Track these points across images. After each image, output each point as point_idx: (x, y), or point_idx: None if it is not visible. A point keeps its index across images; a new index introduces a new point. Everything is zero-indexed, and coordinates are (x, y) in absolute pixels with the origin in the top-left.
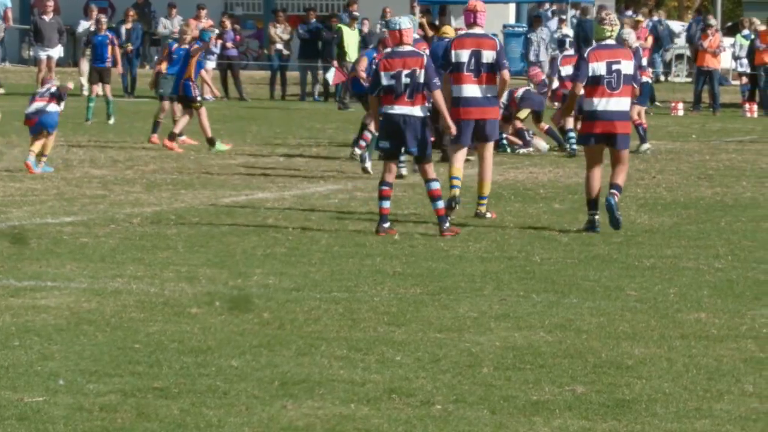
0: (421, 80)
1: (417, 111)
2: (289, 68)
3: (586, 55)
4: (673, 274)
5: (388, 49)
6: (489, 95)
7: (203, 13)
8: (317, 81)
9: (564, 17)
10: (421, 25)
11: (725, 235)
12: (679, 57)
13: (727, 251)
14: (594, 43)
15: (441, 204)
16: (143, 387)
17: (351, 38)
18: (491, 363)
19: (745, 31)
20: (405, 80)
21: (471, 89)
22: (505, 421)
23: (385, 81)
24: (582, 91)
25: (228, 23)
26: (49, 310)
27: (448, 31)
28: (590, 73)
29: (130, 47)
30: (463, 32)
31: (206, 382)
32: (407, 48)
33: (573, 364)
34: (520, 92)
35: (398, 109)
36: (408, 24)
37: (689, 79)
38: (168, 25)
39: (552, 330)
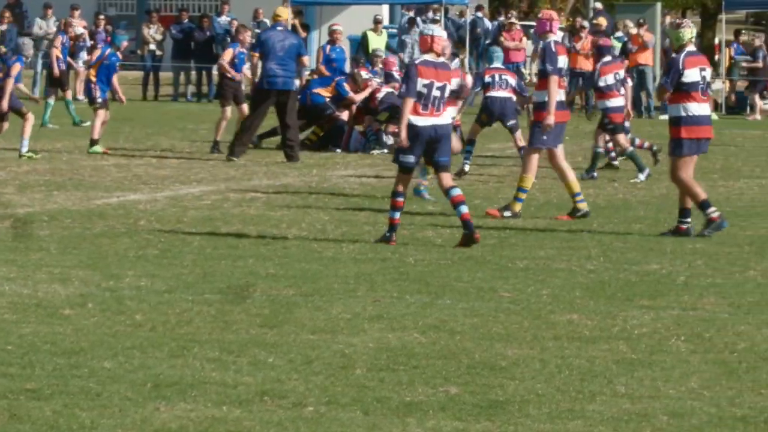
0: (445, 97)
1: (446, 119)
2: (162, 69)
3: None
4: (546, 276)
5: (425, 56)
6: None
7: (77, 13)
8: (190, 81)
9: (438, 18)
10: (293, 27)
11: (597, 236)
12: None
13: (599, 252)
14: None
15: (466, 209)
16: (15, 388)
17: (377, 43)
18: (364, 364)
19: (619, 33)
20: (435, 93)
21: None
22: (378, 423)
23: (419, 88)
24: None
25: (101, 24)
26: None
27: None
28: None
29: (3, 49)
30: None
31: (79, 384)
32: (440, 59)
33: (446, 365)
34: (382, 93)
35: (428, 121)
36: (441, 32)
37: None
38: (44, 26)
39: (425, 331)
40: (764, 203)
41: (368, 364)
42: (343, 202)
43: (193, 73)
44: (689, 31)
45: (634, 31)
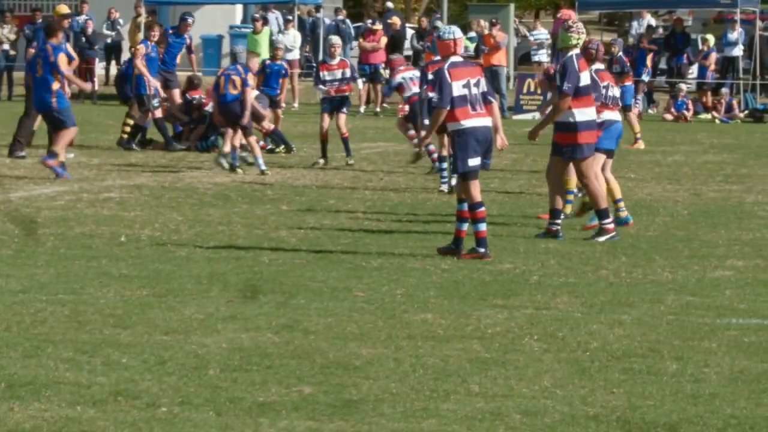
0: (485, 90)
1: (491, 122)
2: (15, 68)
3: (577, 65)
4: (400, 275)
5: (452, 59)
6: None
7: None
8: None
9: (291, 18)
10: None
11: (450, 236)
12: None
13: None
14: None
15: (466, 226)
16: None
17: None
18: (218, 365)
19: (471, 33)
20: (474, 90)
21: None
22: (231, 423)
23: (456, 91)
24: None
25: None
26: None
27: None
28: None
29: None
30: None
31: None
32: (462, 58)
33: (300, 364)
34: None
35: (482, 122)
36: (460, 34)
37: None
38: None
39: (279, 331)
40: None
41: (221, 364)
42: (197, 202)
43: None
44: (576, 36)
45: (487, 31)
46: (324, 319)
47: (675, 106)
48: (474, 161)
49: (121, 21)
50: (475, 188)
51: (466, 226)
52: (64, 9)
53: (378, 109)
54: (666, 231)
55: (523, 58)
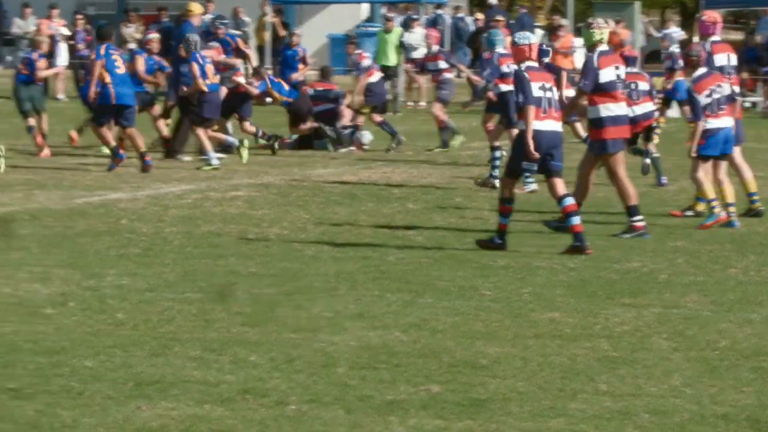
0: (556, 97)
1: (560, 124)
2: None
3: (596, 62)
4: (526, 274)
5: (528, 63)
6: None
7: (55, 12)
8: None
9: (416, 17)
10: (273, 25)
11: None
12: None
13: None
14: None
15: (577, 220)
16: None
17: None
18: (346, 363)
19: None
20: (548, 94)
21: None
22: (359, 421)
23: (535, 93)
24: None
25: (80, 23)
26: None
27: None
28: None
29: None
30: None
31: (61, 383)
32: (536, 64)
33: (428, 363)
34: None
35: (552, 126)
36: (535, 39)
37: None
38: (22, 26)
39: (407, 329)
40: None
41: (350, 362)
42: (324, 201)
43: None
44: (599, 31)
45: (612, 28)
46: (451, 318)
47: None
48: (530, 165)
49: (246, 20)
50: (559, 184)
51: (506, 221)
52: (198, 8)
53: None
54: None
55: (649, 57)
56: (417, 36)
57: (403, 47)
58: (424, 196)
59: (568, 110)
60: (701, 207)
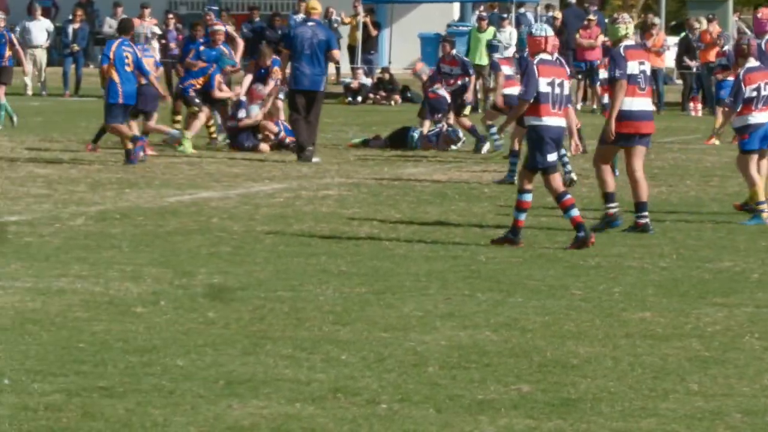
0: (567, 93)
1: (565, 123)
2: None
3: (623, 54)
4: (617, 273)
5: (541, 56)
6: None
7: (147, 12)
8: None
9: (506, 16)
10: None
11: (670, 234)
12: None
13: (671, 250)
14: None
15: (576, 212)
16: (88, 386)
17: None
18: (436, 362)
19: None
20: (557, 90)
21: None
22: (450, 420)
23: (542, 88)
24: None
25: (171, 22)
26: None
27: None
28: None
29: (76, 47)
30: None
31: (151, 382)
32: (552, 57)
33: (518, 363)
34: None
35: (557, 121)
36: (551, 32)
37: None
38: (113, 24)
39: (497, 329)
40: None
41: (440, 361)
42: (414, 200)
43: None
44: (624, 26)
45: (704, 26)
46: (541, 318)
47: None
48: (552, 156)
49: (339, 20)
50: (557, 180)
51: (524, 216)
52: (317, 5)
53: (595, 107)
54: None
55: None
56: (507, 35)
57: (492, 47)
58: (515, 196)
59: (613, 102)
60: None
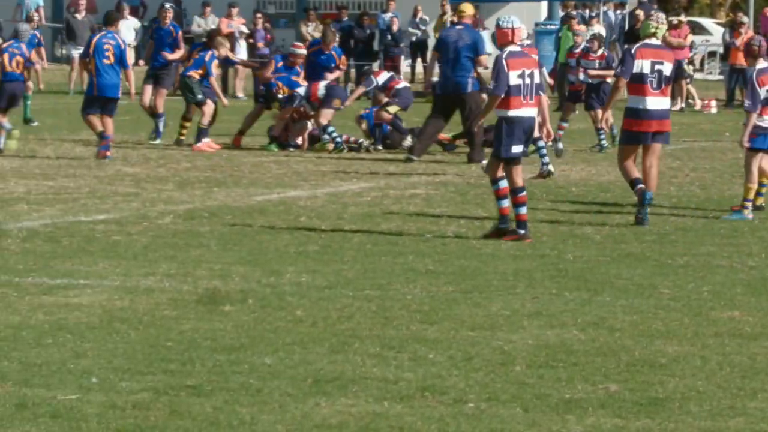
0: (537, 82)
1: (536, 112)
2: None
3: (633, 51)
4: (706, 272)
5: (509, 48)
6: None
7: (234, 11)
8: (349, 79)
9: (594, 14)
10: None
11: (759, 233)
12: (712, 54)
13: (760, 249)
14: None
15: (507, 203)
16: (176, 385)
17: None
18: (524, 361)
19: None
20: (527, 81)
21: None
22: (537, 419)
23: (513, 81)
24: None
25: (260, 22)
26: (81, 308)
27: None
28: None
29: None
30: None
31: (239, 380)
32: (520, 49)
33: (606, 362)
34: (400, 85)
35: (529, 112)
36: (519, 23)
37: (721, 77)
38: (202, 24)
39: (585, 328)
40: None
41: (527, 360)
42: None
43: (353, 70)
44: (655, 25)
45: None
46: (629, 317)
47: None
48: (517, 148)
49: (426, 19)
50: (518, 173)
51: (507, 203)
52: (470, 8)
53: (683, 105)
54: None
55: None
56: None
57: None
58: (602, 194)
59: (610, 97)
60: (760, 201)
